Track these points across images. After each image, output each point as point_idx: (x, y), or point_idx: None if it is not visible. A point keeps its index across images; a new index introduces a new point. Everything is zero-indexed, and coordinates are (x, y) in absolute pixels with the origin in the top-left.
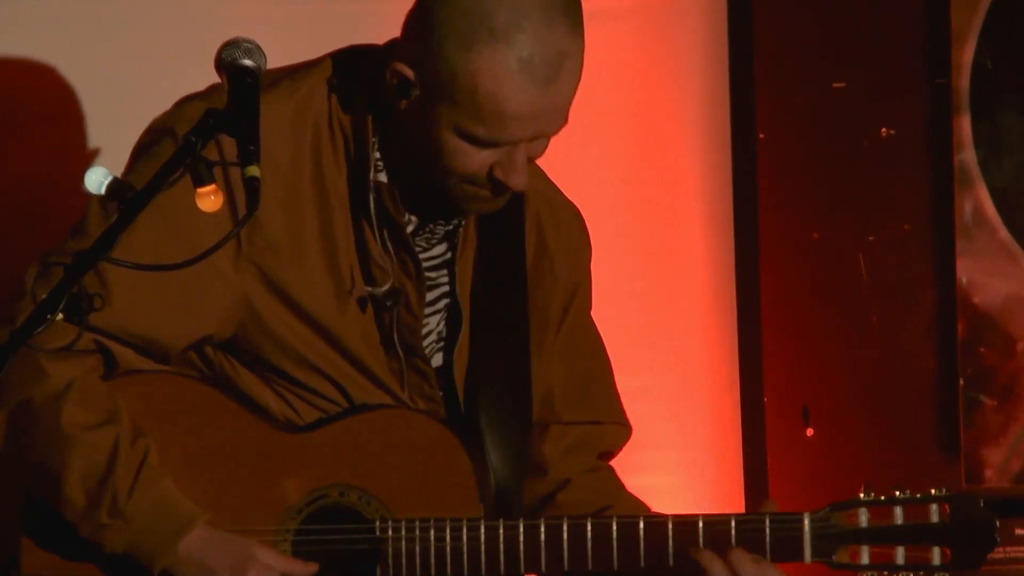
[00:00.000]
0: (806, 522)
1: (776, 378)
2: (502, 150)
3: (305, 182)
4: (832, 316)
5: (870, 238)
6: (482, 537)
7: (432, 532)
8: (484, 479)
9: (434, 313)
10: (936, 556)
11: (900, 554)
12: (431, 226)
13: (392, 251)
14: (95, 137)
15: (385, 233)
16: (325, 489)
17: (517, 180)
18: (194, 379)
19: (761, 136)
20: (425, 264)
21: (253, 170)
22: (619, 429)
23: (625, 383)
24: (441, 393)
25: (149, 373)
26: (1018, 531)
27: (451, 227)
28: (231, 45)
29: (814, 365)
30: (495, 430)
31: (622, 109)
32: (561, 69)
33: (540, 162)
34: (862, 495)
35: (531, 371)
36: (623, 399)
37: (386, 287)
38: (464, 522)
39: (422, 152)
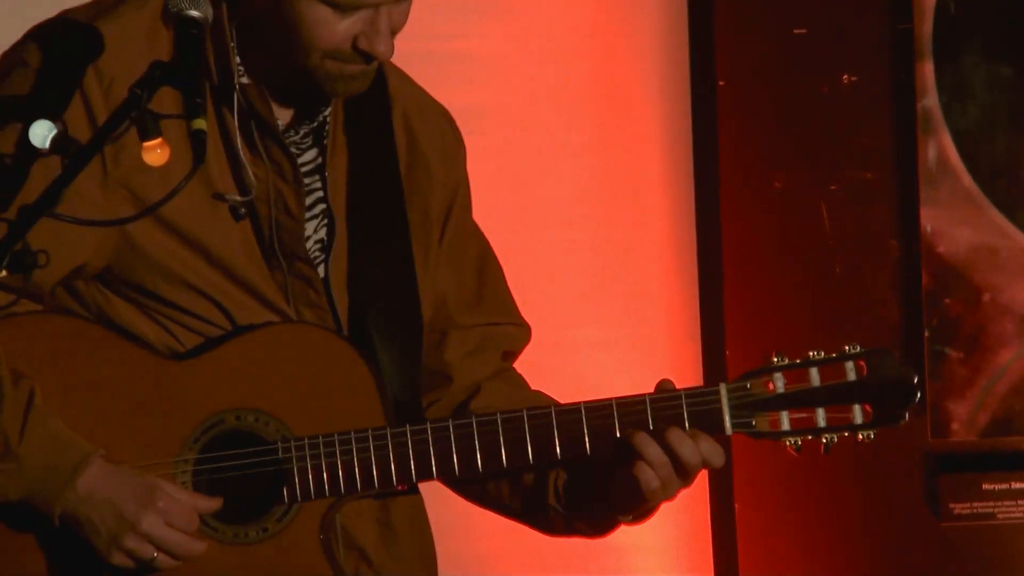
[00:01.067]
0: (723, 392)
1: (738, 328)
2: (363, 17)
3: (167, 96)
4: (794, 266)
5: (832, 187)
6: (390, 446)
7: (337, 447)
8: (384, 388)
9: (312, 219)
10: (858, 414)
11: (821, 416)
12: (297, 127)
13: (264, 155)
14: None
15: (256, 137)
16: (220, 415)
17: (383, 48)
18: (68, 316)
19: (721, 83)
20: (302, 168)
21: (200, 123)
22: (518, 329)
23: (585, 334)
24: (328, 303)
25: (20, 316)
26: (986, 486)
27: (316, 124)
28: None
29: (776, 316)
30: (384, 339)
31: (581, 52)
32: None
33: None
34: (775, 359)
35: (416, 276)
36: (583, 349)
37: (256, 194)
38: (369, 432)
39: (282, 35)
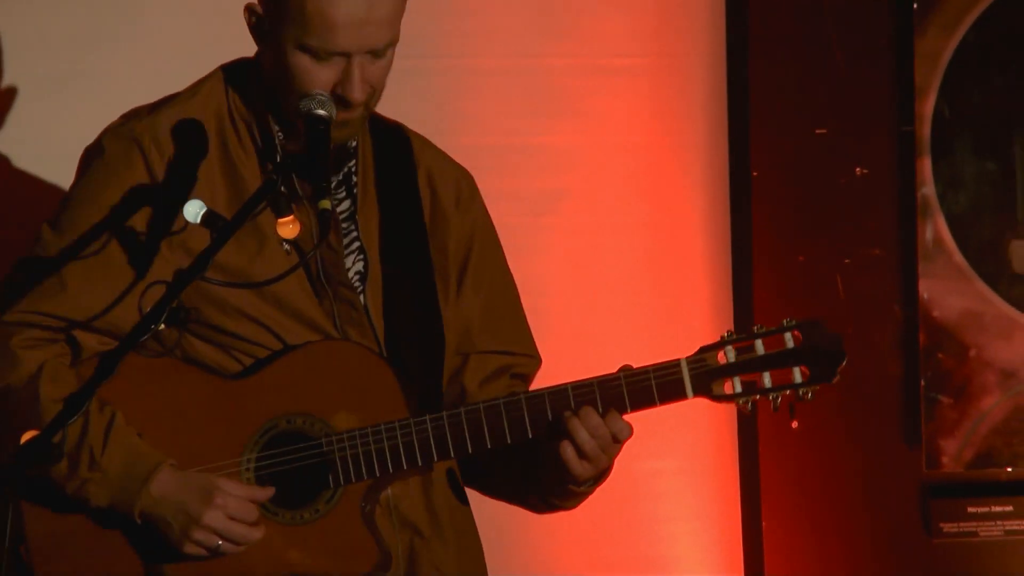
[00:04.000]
0: (683, 365)
1: None
2: (339, 67)
3: (215, 167)
4: None
5: (846, 260)
6: (413, 433)
7: (371, 437)
8: (408, 387)
9: (349, 254)
10: (797, 375)
11: (767, 378)
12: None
13: (307, 202)
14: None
15: (297, 188)
16: (274, 420)
17: (355, 93)
18: (147, 354)
19: (755, 174)
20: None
21: (325, 204)
22: (530, 360)
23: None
24: (369, 324)
25: (104, 356)
26: (970, 509)
27: (343, 175)
28: (307, 97)
29: None
30: (413, 355)
31: (638, 146)
32: None
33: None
34: (725, 335)
35: (439, 305)
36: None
37: (305, 235)
38: (396, 423)
39: (281, 87)
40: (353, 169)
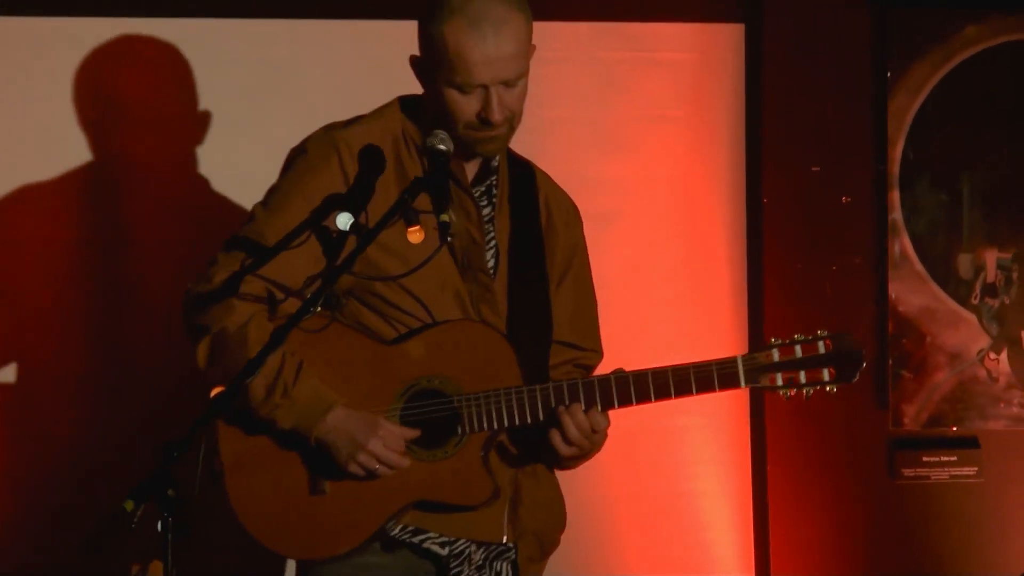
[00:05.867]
0: (739, 362)
1: None
2: (480, 96)
3: (390, 176)
4: (810, 319)
5: (833, 268)
6: (524, 397)
7: (491, 398)
8: (522, 363)
9: (488, 248)
10: (825, 375)
11: (803, 376)
12: (477, 186)
13: (459, 204)
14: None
15: (453, 191)
16: (418, 379)
17: (495, 115)
18: (320, 316)
19: (766, 201)
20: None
21: (445, 217)
22: (595, 355)
23: (662, 356)
24: (498, 304)
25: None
26: (924, 459)
27: (486, 185)
28: (432, 136)
29: None
30: (529, 335)
31: (677, 180)
32: (501, 29)
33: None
34: (773, 340)
35: (550, 298)
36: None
37: (457, 229)
38: (513, 390)
39: (442, 115)
40: (494, 183)
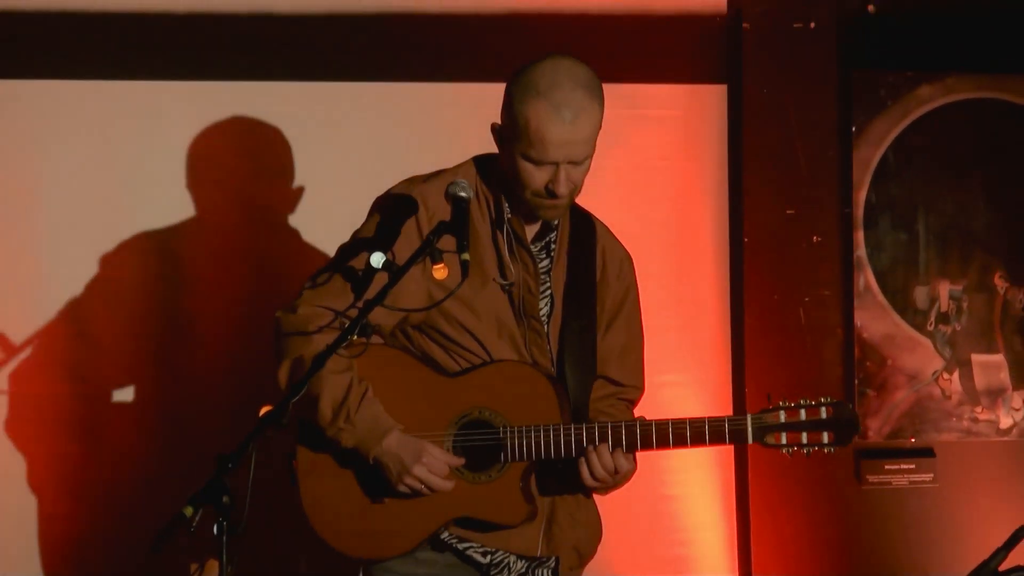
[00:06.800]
0: (748, 420)
1: (753, 377)
2: (550, 171)
3: (448, 240)
4: (786, 344)
5: (806, 299)
6: (561, 435)
7: (533, 432)
8: (563, 403)
9: (543, 297)
10: (825, 437)
11: (804, 436)
12: (537, 243)
13: (519, 258)
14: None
15: (516, 247)
16: (470, 410)
17: (561, 189)
18: (393, 348)
19: (746, 240)
20: (539, 268)
21: (465, 256)
22: (636, 391)
23: (655, 378)
24: (548, 347)
25: (370, 346)
26: (886, 467)
27: (545, 242)
28: (454, 184)
29: (775, 370)
30: (575, 373)
31: (671, 222)
32: (579, 116)
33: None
34: (781, 403)
35: (596, 341)
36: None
37: (514, 280)
38: (551, 427)
39: (514, 181)
40: (553, 239)
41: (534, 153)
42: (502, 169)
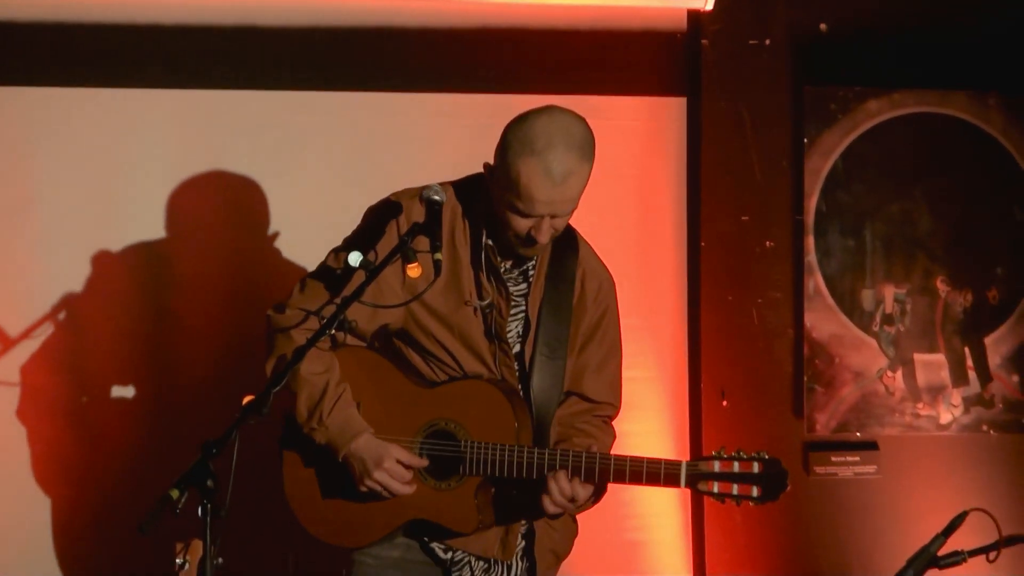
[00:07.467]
0: (683, 467)
1: (708, 372)
2: (534, 221)
3: (446, 246)
4: (740, 343)
5: (759, 300)
6: (514, 454)
7: (489, 449)
8: (522, 422)
9: (514, 320)
10: (754, 491)
11: (735, 488)
12: (512, 271)
13: (493, 283)
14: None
15: (490, 274)
16: (437, 420)
17: (542, 238)
18: (375, 351)
19: (703, 244)
20: (513, 293)
21: (439, 255)
22: (611, 408)
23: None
24: (516, 366)
25: (350, 347)
26: (832, 458)
27: (524, 269)
28: (428, 189)
29: (729, 366)
30: (541, 392)
31: (633, 228)
32: (568, 179)
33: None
34: (714, 453)
35: (566, 362)
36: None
37: (488, 301)
38: (506, 447)
39: (500, 221)
40: (532, 265)
41: (521, 205)
42: (494, 209)
